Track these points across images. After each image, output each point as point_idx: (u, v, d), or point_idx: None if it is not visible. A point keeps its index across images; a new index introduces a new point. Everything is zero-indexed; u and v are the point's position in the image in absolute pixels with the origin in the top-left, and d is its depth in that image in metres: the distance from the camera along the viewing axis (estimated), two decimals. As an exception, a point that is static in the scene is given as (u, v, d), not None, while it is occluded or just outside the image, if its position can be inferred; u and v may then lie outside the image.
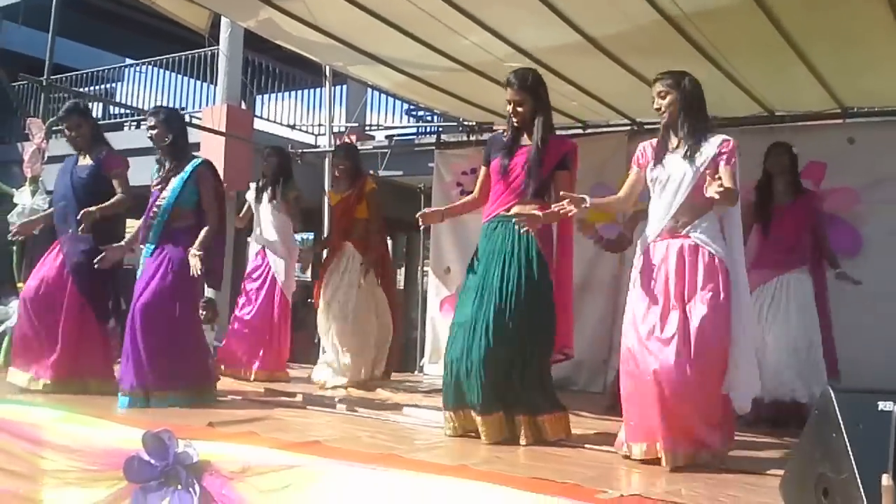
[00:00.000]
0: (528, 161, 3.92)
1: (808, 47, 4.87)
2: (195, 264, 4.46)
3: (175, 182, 4.71)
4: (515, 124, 4.05)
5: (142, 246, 4.74)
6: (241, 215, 6.54)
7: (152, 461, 3.17)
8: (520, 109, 3.98)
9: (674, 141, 3.59)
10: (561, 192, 3.65)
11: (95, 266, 4.63)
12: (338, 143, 8.22)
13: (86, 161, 5.03)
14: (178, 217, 4.70)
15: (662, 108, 3.58)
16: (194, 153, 5.14)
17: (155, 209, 4.71)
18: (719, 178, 3.28)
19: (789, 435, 4.31)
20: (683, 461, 3.30)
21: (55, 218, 5.07)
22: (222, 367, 5.96)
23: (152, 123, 4.81)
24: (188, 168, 4.73)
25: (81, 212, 4.69)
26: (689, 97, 3.55)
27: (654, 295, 3.46)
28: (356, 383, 5.81)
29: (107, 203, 4.81)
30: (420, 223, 4.32)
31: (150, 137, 4.82)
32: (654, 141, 3.68)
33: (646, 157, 3.68)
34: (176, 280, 4.57)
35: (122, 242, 4.83)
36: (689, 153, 3.50)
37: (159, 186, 4.76)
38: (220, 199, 4.89)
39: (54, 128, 6.15)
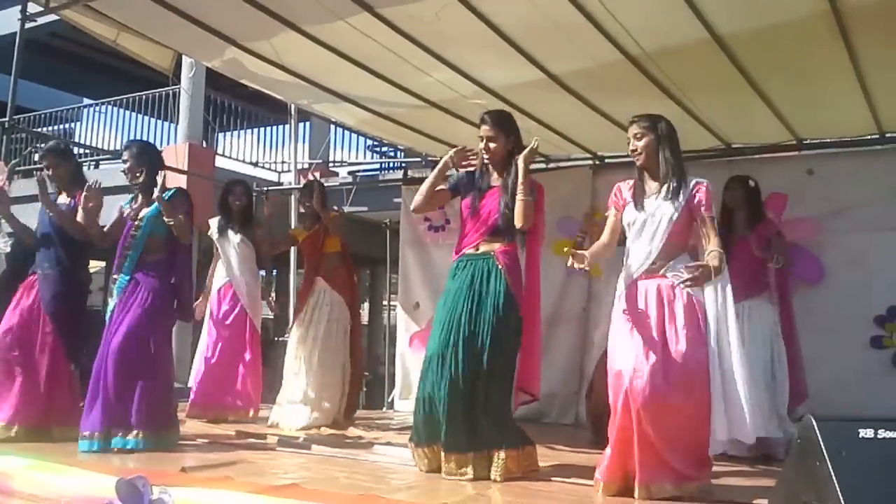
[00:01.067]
0: (500, 201, 3.98)
1: (764, 82, 4.99)
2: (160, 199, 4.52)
3: (149, 212, 4.69)
4: (486, 160, 4.12)
5: (115, 276, 4.69)
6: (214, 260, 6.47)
7: (126, 509, 3.10)
8: (492, 146, 4.07)
9: (650, 184, 3.66)
10: (567, 250, 3.62)
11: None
12: (302, 179, 8.23)
13: (63, 200, 4.98)
14: (152, 248, 4.68)
15: (639, 150, 3.64)
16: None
17: (130, 239, 4.69)
18: (692, 269, 3.35)
19: (761, 464, 4.38)
20: (660, 495, 3.32)
21: (37, 254, 4.96)
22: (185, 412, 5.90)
23: (125, 157, 4.80)
24: (163, 197, 4.68)
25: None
26: (665, 139, 3.63)
27: (637, 334, 3.47)
28: (328, 424, 5.75)
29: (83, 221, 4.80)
30: None
31: (124, 171, 4.81)
32: (629, 182, 3.74)
33: (621, 198, 3.73)
34: (148, 319, 4.54)
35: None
36: (665, 197, 3.57)
37: (133, 217, 4.74)
38: (190, 223, 4.87)
39: (18, 168, 6.07)
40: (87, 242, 4.92)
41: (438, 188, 4.19)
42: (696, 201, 3.56)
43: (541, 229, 4.19)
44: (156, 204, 4.66)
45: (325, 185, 6.80)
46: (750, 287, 4.84)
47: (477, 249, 4.02)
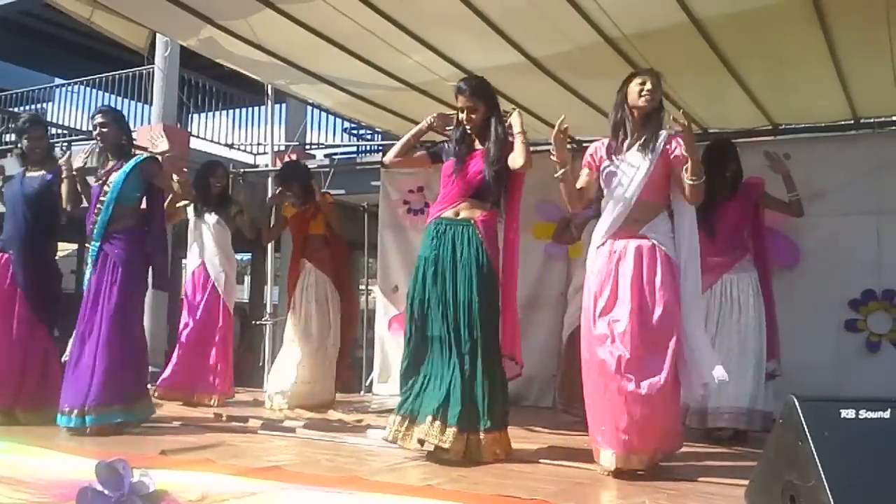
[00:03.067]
0: (486, 162, 3.92)
1: (741, 67, 5.02)
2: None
3: (117, 177, 4.63)
4: (468, 130, 4.06)
5: (87, 245, 4.67)
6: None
7: (106, 492, 3.04)
8: (473, 116, 4.02)
9: (629, 137, 3.64)
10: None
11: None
12: (279, 162, 8.17)
13: (36, 173, 4.91)
14: (121, 216, 4.62)
15: (654, 100, 3.60)
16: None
17: (98, 205, 4.64)
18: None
19: (740, 445, 4.43)
20: (640, 465, 3.37)
21: (4, 233, 4.92)
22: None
23: (104, 122, 4.71)
24: (130, 163, 4.66)
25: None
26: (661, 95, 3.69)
27: (611, 293, 3.49)
28: (322, 404, 5.79)
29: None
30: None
31: (101, 135, 4.71)
32: (604, 142, 3.72)
33: (597, 158, 3.72)
34: (121, 294, 4.50)
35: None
36: (641, 149, 3.56)
37: (100, 183, 4.69)
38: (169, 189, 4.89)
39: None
40: (57, 221, 4.88)
41: (417, 153, 4.19)
42: (673, 155, 3.56)
43: (520, 191, 4.15)
44: (125, 168, 4.63)
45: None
46: (732, 253, 4.83)
47: (457, 215, 3.97)
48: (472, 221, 3.94)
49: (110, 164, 4.71)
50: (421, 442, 3.72)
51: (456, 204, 3.98)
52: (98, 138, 4.74)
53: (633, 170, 3.55)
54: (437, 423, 3.69)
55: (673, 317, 3.44)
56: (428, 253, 3.98)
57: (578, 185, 3.76)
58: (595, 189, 3.76)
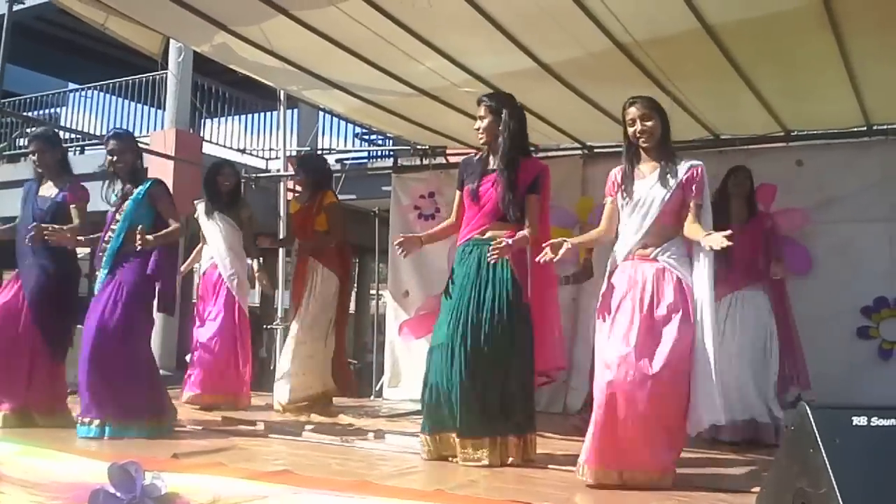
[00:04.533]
0: (499, 186, 3.96)
1: (753, 73, 5.01)
2: (140, 241, 4.40)
3: (127, 206, 4.66)
4: (482, 142, 4.09)
5: (97, 272, 4.65)
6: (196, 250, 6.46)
7: (119, 494, 3.07)
8: (480, 126, 4.06)
9: (644, 166, 3.65)
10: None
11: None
12: (291, 167, 8.21)
13: (47, 192, 4.91)
14: (132, 241, 4.59)
15: (648, 130, 3.58)
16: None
17: (109, 233, 4.65)
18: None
19: (751, 452, 4.41)
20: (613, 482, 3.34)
21: (17, 246, 4.91)
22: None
23: (120, 147, 4.73)
24: (140, 190, 4.68)
25: (33, 224, 4.59)
26: (666, 122, 3.64)
27: (623, 316, 3.48)
28: (312, 398, 5.78)
29: (65, 227, 4.71)
30: (400, 251, 4.21)
31: (116, 161, 4.72)
32: (621, 167, 3.72)
33: (616, 184, 3.72)
34: (127, 309, 4.50)
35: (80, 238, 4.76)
36: (659, 178, 3.56)
37: (114, 210, 4.70)
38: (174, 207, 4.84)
39: (5, 153, 6.02)
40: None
41: (449, 222, 4.29)
42: (690, 185, 3.55)
43: (547, 211, 4.19)
44: (134, 196, 4.65)
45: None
46: (746, 276, 4.88)
47: (483, 235, 4.00)
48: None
49: (125, 188, 4.72)
50: (444, 454, 3.80)
51: (482, 227, 4.02)
52: (112, 169, 4.74)
53: (648, 200, 3.57)
54: (452, 431, 3.76)
55: (681, 342, 3.41)
56: (455, 271, 4.05)
57: (605, 217, 3.76)
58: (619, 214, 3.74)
